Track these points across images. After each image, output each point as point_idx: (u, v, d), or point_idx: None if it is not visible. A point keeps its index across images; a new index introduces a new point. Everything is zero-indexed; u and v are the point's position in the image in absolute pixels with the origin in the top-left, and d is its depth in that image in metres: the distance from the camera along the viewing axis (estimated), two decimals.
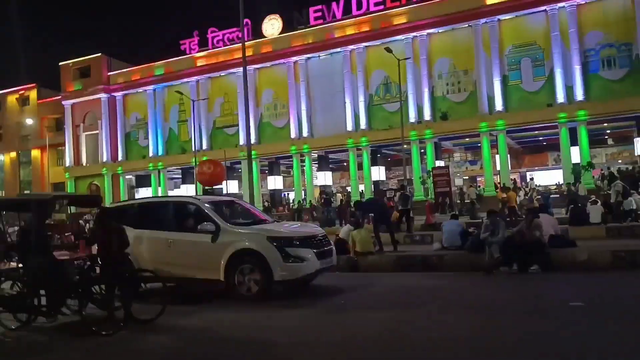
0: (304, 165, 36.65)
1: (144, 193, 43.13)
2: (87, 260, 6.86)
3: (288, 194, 42.49)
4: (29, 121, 43.72)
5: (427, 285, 8.58)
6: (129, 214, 8.54)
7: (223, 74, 39.12)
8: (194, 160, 39.26)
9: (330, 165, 39.29)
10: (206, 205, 8.20)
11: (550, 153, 39.39)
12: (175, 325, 6.49)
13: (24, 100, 49.97)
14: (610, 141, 37.34)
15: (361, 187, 35.27)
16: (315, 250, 7.64)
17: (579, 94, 28.66)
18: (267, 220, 8.94)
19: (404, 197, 15.34)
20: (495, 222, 9.13)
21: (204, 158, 38.72)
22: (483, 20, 31.23)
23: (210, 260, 7.51)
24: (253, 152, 36.86)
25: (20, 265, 6.78)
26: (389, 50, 26.78)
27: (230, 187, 37.39)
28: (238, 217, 8.79)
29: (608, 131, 34.90)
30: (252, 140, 37.45)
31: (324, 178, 37.74)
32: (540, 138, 36.36)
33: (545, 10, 29.73)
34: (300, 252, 7.50)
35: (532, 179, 38.07)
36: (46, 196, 7.66)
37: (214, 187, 25.38)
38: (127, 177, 43.25)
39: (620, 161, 34.75)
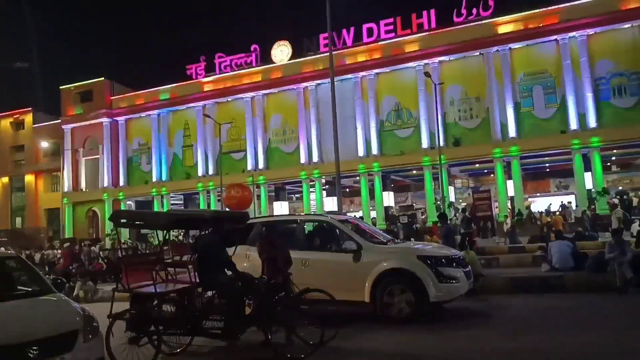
0: (313, 191, 36.35)
1: None
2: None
3: None
4: (44, 144, 42.67)
5: (561, 307, 8.32)
6: (254, 233, 8.12)
7: (230, 99, 38.94)
8: (199, 185, 38.79)
9: (346, 190, 39.16)
10: (340, 223, 7.85)
11: (552, 180, 39.98)
12: (354, 348, 6.11)
13: (18, 124, 48.85)
14: (613, 168, 38.07)
15: (373, 214, 35.04)
16: (463, 270, 7.36)
17: (592, 121, 29.23)
18: (393, 240, 8.62)
19: (467, 220, 15.17)
20: (621, 242, 9.00)
21: (210, 183, 38.45)
22: (494, 49, 31.85)
23: (353, 280, 7.12)
24: (261, 178, 36.95)
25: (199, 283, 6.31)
26: (428, 74, 27.20)
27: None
28: (364, 235, 8.42)
29: (613, 158, 35.59)
30: (260, 166, 37.32)
31: (332, 203, 37.39)
32: (544, 165, 36.88)
33: (556, 40, 30.51)
34: (451, 271, 7.19)
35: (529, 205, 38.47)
36: (206, 214, 7.32)
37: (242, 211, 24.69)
38: (127, 202, 42.25)
39: (620, 187, 35.38)
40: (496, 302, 8.89)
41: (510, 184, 31.58)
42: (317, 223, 8.34)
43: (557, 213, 28.96)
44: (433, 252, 7.67)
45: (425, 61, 33.47)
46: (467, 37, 32.05)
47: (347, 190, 40.71)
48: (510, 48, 31.67)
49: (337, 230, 7.71)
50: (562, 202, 33.73)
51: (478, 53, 32.45)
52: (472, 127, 32.72)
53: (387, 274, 7.08)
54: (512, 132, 31.16)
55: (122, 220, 6.82)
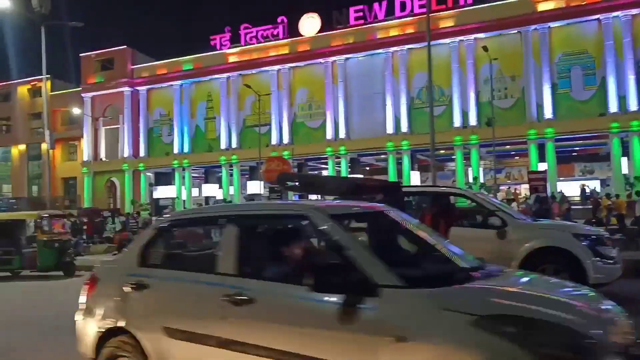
0: (339, 167, 35.86)
1: (163, 191, 41.86)
2: None
3: None
4: (77, 110, 41.77)
5: None
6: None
7: (255, 72, 38.15)
8: (222, 158, 38.30)
9: (366, 169, 38.68)
10: (481, 196, 7.28)
11: (578, 164, 39.34)
12: None
13: (35, 92, 48.07)
14: None
15: None
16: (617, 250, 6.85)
17: (633, 104, 28.52)
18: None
19: (541, 199, 14.69)
20: None
21: (234, 157, 37.96)
22: (533, 27, 30.97)
23: (496, 260, 6.58)
24: (285, 153, 36.41)
25: None
26: (485, 49, 26.34)
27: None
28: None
29: None
30: (285, 140, 36.74)
31: None
32: (571, 149, 36.22)
33: (598, 19, 29.61)
34: (609, 251, 6.63)
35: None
36: (383, 182, 6.48)
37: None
38: (147, 174, 41.82)
39: None
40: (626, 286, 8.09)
41: (542, 166, 31.00)
42: (449, 195, 7.68)
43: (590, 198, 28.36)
44: (590, 230, 7.12)
45: (460, 38, 32.64)
46: (505, 15, 31.13)
47: (367, 168, 40.15)
48: (549, 27, 30.77)
49: (478, 205, 7.12)
50: (583, 186, 32.88)
51: (516, 31, 31.56)
52: (506, 107, 32.01)
53: (536, 252, 6.56)
54: (548, 113, 30.47)
55: (290, 183, 6.16)
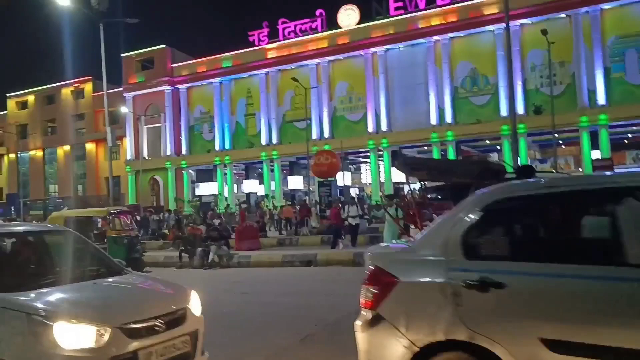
0: (381, 160, 35.43)
1: (204, 188, 42.22)
2: None
3: (363, 190, 41.42)
4: (124, 109, 42.39)
5: None
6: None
7: (294, 66, 37.98)
8: (263, 154, 38.34)
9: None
10: None
11: (629, 152, 37.85)
12: None
13: (78, 93, 49.24)
14: None
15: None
16: None
17: None
18: None
19: None
20: None
21: (274, 152, 37.94)
22: (584, 10, 29.81)
23: None
24: (326, 147, 36.15)
25: None
26: (545, 32, 25.44)
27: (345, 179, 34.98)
28: None
29: None
30: (325, 135, 36.49)
31: (398, 175, 36.38)
32: (623, 136, 34.83)
33: None
34: None
35: None
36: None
37: (329, 179, 24.01)
38: (189, 171, 42.27)
39: None
40: None
41: (595, 154, 29.90)
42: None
43: None
44: None
45: (505, 24, 31.56)
46: None
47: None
48: (601, 9, 29.56)
49: None
50: None
51: (564, 15, 30.44)
52: (555, 94, 30.88)
53: None
54: (601, 99, 29.33)
55: (409, 167, 5.75)
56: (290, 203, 32.47)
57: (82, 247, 5.03)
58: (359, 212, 16.83)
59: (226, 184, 40.23)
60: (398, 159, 6.29)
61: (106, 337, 3.53)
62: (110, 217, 12.64)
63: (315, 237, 19.17)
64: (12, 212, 33.79)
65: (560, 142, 36.69)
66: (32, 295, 3.83)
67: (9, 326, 3.56)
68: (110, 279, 4.56)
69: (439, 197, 7.90)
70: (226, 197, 39.37)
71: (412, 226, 8.03)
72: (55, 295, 3.97)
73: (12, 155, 52.21)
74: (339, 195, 30.45)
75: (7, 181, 52.22)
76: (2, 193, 52.59)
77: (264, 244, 17.67)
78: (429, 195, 8.52)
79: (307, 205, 23.63)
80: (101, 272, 4.70)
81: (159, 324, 3.82)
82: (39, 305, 3.66)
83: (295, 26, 37.68)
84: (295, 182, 39.63)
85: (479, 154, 40.68)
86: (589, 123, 29.41)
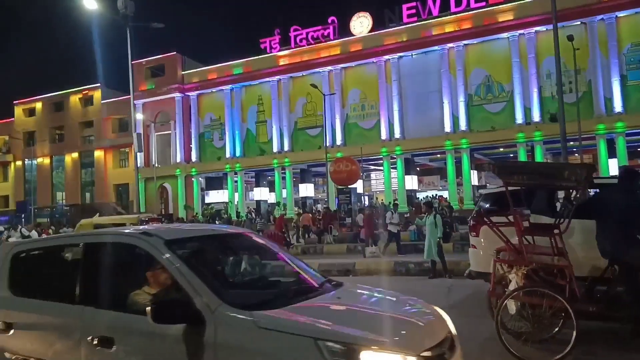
0: (395, 168, 35.17)
1: (214, 196, 41.98)
2: None
3: (375, 197, 41.16)
4: (139, 116, 41.34)
5: None
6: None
7: (306, 74, 37.85)
8: (275, 162, 38.12)
9: (417, 169, 37.87)
10: None
11: None
12: None
13: (86, 100, 49.09)
14: None
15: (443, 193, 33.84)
16: None
17: None
18: None
19: None
20: None
21: (286, 160, 37.69)
22: (599, 17, 29.72)
23: None
24: (338, 154, 35.99)
25: None
26: (571, 38, 25.21)
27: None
28: None
29: None
30: (338, 142, 36.31)
31: (411, 182, 36.18)
32: (636, 144, 34.66)
33: None
34: None
35: None
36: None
37: (349, 186, 23.74)
38: (199, 179, 42.04)
39: None
40: None
41: (612, 162, 29.67)
42: None
43: None
44: None
45: (520, 31, 31.61)
46: (569, 5, 29.81)
47: (418, 169, 39.26)
48: (616, 16, 29.49)
49: None
50: None
51: (579, 22, 30.32)
52: (571, 102, 30.71)
53: None
54: (617, 106, 29.17)
55: (507, 172, 5.44)
56: (302, 211, 32.21)
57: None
58: (400, 220, 16.58)
59: (236, 191, 39.97)
60: (495, 164, 5.89)
61: None
62: (142, 225, 12.39)
63: (340, 245, 18.85)
64: (22, 219, 33.44)
65: (575, 149, 36.57)
66: (304, 315, 3.12)
67: (289, 356, 2.83)
68: (342, 292, 3.74)
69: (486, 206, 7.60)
70: (237, 204, 39.11)
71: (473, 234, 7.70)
72: (329, 315, 3.25)
73: (19, 163, 51.98)
74: (358, 202, 30.19)
75: (13, 189, 51.95)
76: (8, 200, 52.31)
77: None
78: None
79: (330, 212, 23.31)
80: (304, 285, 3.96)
81: (445, 352, 3.13)
82: (338, 330, 2.92)
83: (307, 33, 37.61)
84: (306, 189, 39.41)
85: (489, 161, 40.49)
86: (605, 131, 29.20)
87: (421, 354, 2.91)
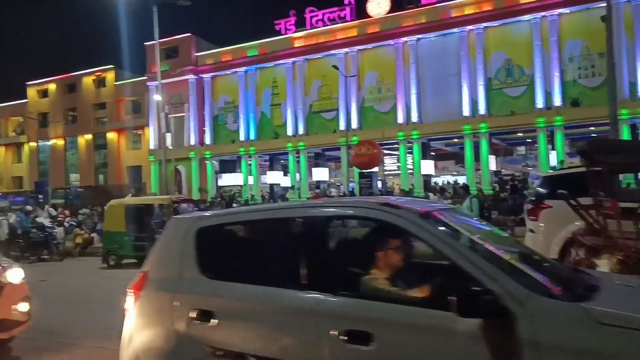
0: (411, 152, 34.85)
1: (227, 179, 41.89)
2: None
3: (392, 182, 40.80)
4: (157, 97, 41.09)
5: None
6: None
7: (322, 56, 37.39)
8: (289, 145, 37.90)
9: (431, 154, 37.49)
10: None
11: None
12: None
13: (100, 82, 48.91)
14: None
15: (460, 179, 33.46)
16: None
17: None
18: None
19: None
20: None
21: (301, 143, 37.45)
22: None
23: None
24: (354, 138, 35.68)
25: None
26: (604, 18, 24.47)
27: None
28: None
29: None
30: (354, 126, 35.96)
31: (427, 167, 35.83)
32: None
33: None
34: None
35: None
36: None
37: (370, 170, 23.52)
38: (213, 162, 41.90)
39: None
40: None
41: None
42: None
43: None
44: None
45: (542, 13, 30.91)
46: None
47: (433, 154, 38.83)
48: None
49: None
50: None
51: (604, 4, 29.48)
52: (593, 87, 30.23)
53: None
54: None
55: (603, 152, 5.10)
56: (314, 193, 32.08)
57: None
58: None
59: (250, 174, 39.83)
60: (589, 143, 5.55)
61: None
62: (173, 206, 12.28)
63: (361, 229, 18.65)
64: (40, 200, 33.53)
65: (594, 135, 36.08)
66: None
67: None
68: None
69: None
70: (251, 187, 39.04)
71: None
72: None
73: (33, 144, 52.11)
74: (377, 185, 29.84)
75: (27, 170, 52.12)
76: (22, 181, 52.56)
77: None
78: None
79: (354, 195, 23.13)
80: None
81: None
82: None
83: (323, 15, 37.07)
84: (320, 173, 39.19)
85: (506, 146, 40.07)
86: (629, 116, 28.66)
87: None
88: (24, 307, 5.73)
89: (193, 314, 3.16)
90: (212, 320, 3.11)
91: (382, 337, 2.65)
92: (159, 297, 3.41)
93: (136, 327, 3.42)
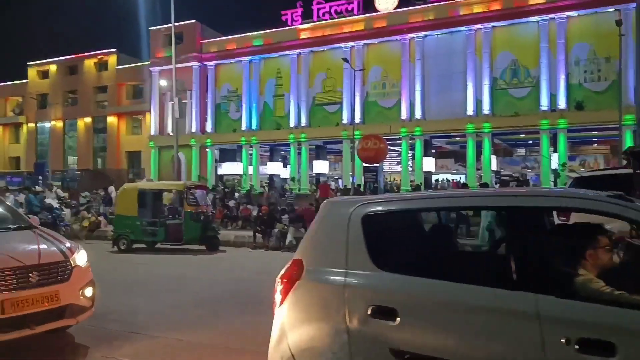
0: (413, 149, 34.92)
1: (227, 168, 41.83)
2: None
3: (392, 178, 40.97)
4: (163, 82, 40.43)
5: None
6: None
7: (327, 49, 37.28)
8: (291, 136, 37.85)
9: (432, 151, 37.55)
10: None
11: None
12: None
13: (101, 65, 48.53)
14: None
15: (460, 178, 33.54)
16: None
17: None
18: None
19: None
20: None
21: (303, 135, 37.41)
22: (633, 5, 28.93)
23: None
24: (357, 132, 35.66)
25: None
26: (619, 22, 24.56)
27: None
28: None
29: None
30: (357, 120, 35.93)
31: (428, 164, 35.89)
32: None
33: None
34: None
35: None
36: None
37: (376, 165, 23.55)
38: (214, 150, 41.78)
39: None
40: None
41: None
42: None
43: None
44: None
45: (551, 15, 30.92)
46: None
47: (434, 151, 38.90)
48: None
49: None
50: None
51: (613, 9, 29.66)
52: (598, 91, 30.35)
53: None
54: None
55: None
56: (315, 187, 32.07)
57: None
58: None
59: (251, 164, 39.77)
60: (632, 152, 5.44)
61: None
62: (188, 193, 12.23)
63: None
64: (40, 181, 33.33)
65: (595, 139, 36.33)
66: None
67: None
68: None
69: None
70: (251, 177, 39.00)
71: None
72: None
73: (32, 125, 51.73)
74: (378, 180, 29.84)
75: (25, 151, 51.79)
76: (19, 162, 52.21)
77: None
78: None
79: (360, 190, 23.11)
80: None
81: None
82: None
83: (330, 7, 36.90)
84: (320, 166, 39.21)
85: (506, 147, 40.26)
86: (633, 121, 28.76)
87: None
88: (89, 292, 5.46)
89: (369, 311, 2.83)
90: (395, 319, 2.77)
91: (627, 349, 2.33)
92: (322, 289, 3.03)
93: (291, 322, 3.05)
